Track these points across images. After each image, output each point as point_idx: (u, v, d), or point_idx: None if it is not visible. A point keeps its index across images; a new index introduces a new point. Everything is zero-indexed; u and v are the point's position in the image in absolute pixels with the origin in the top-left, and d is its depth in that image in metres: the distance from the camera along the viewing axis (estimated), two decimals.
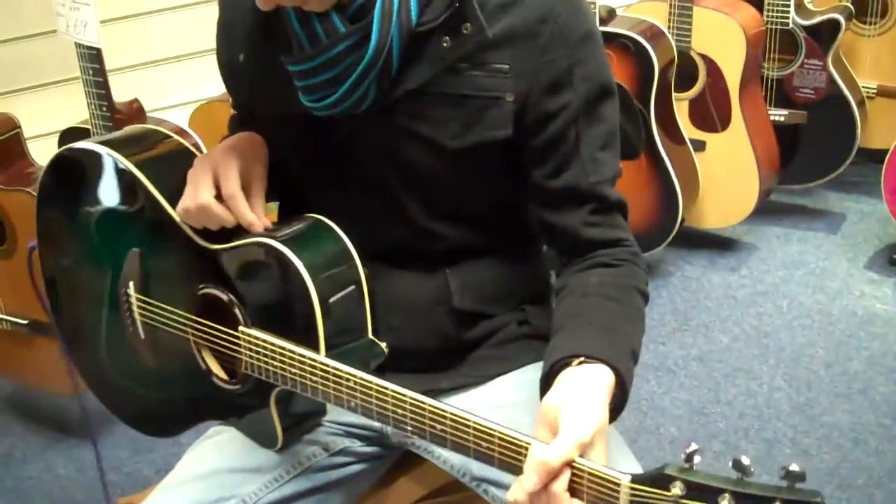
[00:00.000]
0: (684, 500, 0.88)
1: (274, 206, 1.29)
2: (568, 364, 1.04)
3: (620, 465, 1.15)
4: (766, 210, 3.14)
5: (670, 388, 2.45)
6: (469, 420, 0.98)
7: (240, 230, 1.14)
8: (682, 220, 2.81)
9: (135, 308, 1.23)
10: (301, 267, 1.07)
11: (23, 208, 2.06)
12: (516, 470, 0.97)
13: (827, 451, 2.18)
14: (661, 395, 2.42)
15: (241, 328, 1.13)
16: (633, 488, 0.91)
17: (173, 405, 1.30)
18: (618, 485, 0.91)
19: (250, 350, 1.12)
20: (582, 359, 1.04)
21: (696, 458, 0.89)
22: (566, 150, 1.15)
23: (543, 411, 1.00)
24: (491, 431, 0.97)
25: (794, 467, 0.84)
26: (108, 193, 1.24)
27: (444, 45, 1.10)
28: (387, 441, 1.27)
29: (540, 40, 1.11)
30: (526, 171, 1.17)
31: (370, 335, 1.13)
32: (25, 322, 2.14)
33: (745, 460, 0.86)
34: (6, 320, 2.18)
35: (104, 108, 2.04)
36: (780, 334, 2.63)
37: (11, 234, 2.11)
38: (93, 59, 2.00)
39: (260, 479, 1.19)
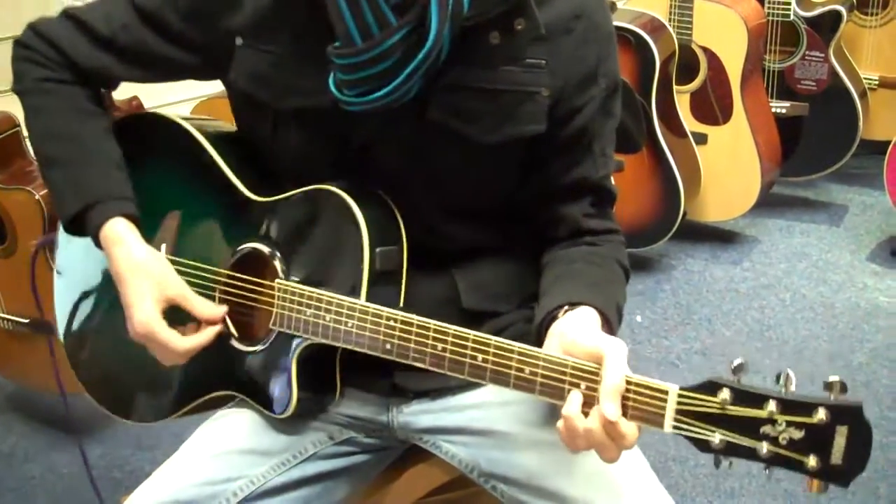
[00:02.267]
0: (731, 406, 0.90)
1: None
2: (554, 318, 1.06)
3: (625, 460, 1.15)
4: (769, 203, 3.14)
5: (673, 382, 2.44)
6: (514, 347, 1.01)
7: (288, 187, 1.17)
8: (685, 214, 2.81)
9: None
10: (356, 210, 1.11)
11: (23, 207, 2.06)
12: (559, 395, 0.98)
13: None
14: None
15: (277, 280, 1.15)
16: (681, 395, 0.93)
17: (182, 379, 1.28)
18: (665, 393, 0.93)
19: (283, 301, 1.14)
20: (566, 307, 1.06)
21: (742, 373, 0.91)
22: (583, 145, 1.16)
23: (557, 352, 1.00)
24: (535, 355, 0.99)
25: (833, 378, 0.87)
26: (162, 154, 1.29)
27: (494, 41, 1.09)
28: (393, 435, 1.27)
29: (574, 35, 1.12)
30: (539, 163, 1.18)
31: (402, 305, 1.14)
32: (27, 321, 2.14)
33: (790, 374, 0.89)
34: (7, 319, 2.17)
35: None
36: (783, 327, 2.63)
37: (12, 232, 2.11)
38: None
39: (268, 461, 1.20)
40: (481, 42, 1.09)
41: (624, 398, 0.95)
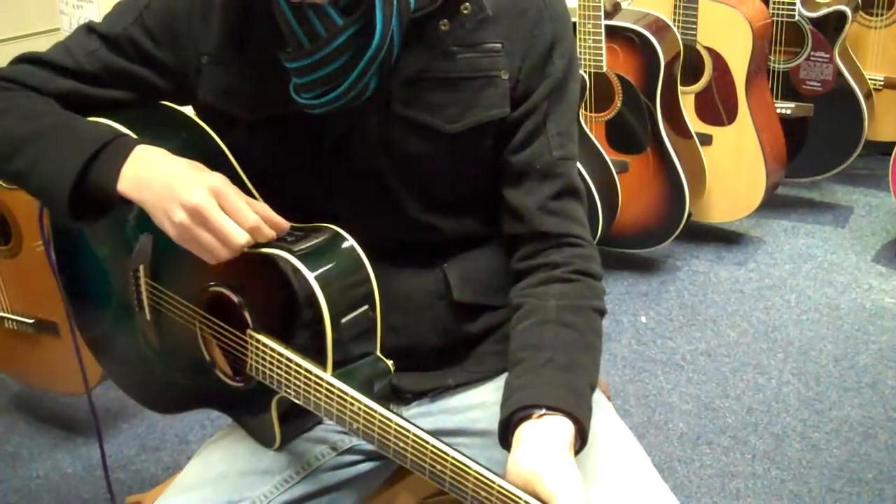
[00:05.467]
0: None
1: None
2: (528, 416, 1.02)
3: (630, 460, 1.14)
4: (774, 204, 3.14)
5: (678, 383, 2.44)
6: (470, 468, 0.96)
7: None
8: (689, 215, 2.80)
9: (143, 290, 1.22)
10: (316, 287, 1.05)
11: (28, 207, 2.05)
12: None
13: (836, 446, 2.17)
14: (669, 391, 2.41)
15: (249, 331, 1.11)
16: None
17: (175, 387, 1.28)
18: None
19: (256, 354, 1.11)
20: (543, 411, 1.02)
21: None
22: (535, 124, 1.16)
23: (518, 478, 0.97)
24: (490, 483, 0.94)
25: None
26: None
27: (443, 27, 1.11)
28: None
29: (528, 16, 1.13)
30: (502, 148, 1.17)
31: (378, 352, 1.11)
32: (31, 321, 2.14)
33: None
34: (12, 319, 2.17)
35: None
36: (789, 328, 2.63)
37: (16, 233, 2.11)
38: None
39: (270, 481, 1.18)
40: (432, 31, 1.11)
41: None
